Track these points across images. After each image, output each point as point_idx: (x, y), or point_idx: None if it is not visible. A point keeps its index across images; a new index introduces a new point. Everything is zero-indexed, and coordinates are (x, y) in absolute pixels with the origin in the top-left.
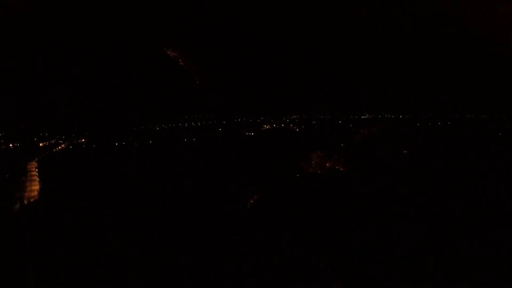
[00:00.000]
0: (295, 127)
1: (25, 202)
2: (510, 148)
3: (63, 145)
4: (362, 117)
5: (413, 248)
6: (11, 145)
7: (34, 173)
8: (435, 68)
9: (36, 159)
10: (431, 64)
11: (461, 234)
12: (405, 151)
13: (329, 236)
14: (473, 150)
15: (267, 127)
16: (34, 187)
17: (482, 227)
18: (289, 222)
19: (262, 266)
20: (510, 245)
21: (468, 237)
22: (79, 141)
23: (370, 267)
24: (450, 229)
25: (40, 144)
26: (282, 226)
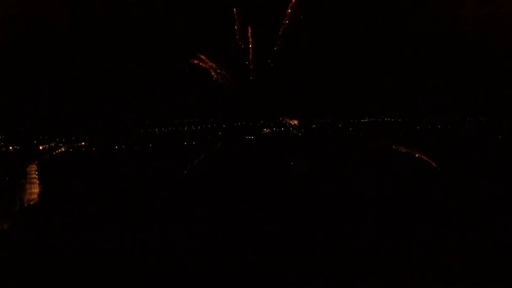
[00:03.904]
0: (295, 131)
1: (25, 205)
2: (510, 151)
3: (63, 148)
4: (362, 120)
5: (413, 249)
6: (10, 147)
7: (34, 175)
8: (435, 70)
9: (36, 162)
10: (431, 66)
11: (461, 236)
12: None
13: (329, 237)
14: (473, 153)
15: (267, 130)
16: (34, 190)
17: (482, 229)
18: (288, 224)
19: (261, 267)
20: (511, 246)
21: (468, 239)
22: (79, 144)
23: (370, 267)
24: (449, 231)
25: (40, 147)
26: (281, 228)
